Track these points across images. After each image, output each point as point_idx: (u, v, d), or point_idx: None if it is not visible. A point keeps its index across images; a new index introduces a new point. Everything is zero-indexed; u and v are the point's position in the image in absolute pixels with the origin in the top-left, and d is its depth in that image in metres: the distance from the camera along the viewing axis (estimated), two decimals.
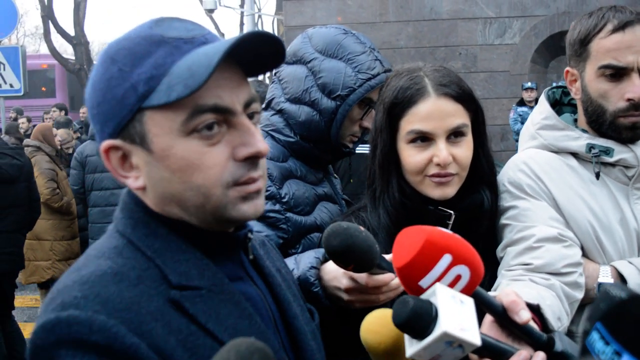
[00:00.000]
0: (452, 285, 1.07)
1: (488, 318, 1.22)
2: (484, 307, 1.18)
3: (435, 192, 1.63)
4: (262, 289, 1.17)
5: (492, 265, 1.69)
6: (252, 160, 1.06)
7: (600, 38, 1.74)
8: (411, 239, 1.07)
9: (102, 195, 6.39)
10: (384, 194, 1.70)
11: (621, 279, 1.70)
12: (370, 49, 1.97)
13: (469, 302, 1.05)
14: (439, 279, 1.07)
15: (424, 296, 1.06)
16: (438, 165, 1.60)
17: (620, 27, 1.70)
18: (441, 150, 1.59)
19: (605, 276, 1.70)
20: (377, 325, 1.16)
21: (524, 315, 1.14)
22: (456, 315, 1.01)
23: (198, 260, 1.06)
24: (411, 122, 1.63)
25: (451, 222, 1.65)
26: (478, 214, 1.69)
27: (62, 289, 0.97)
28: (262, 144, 1.05)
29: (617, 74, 1.72)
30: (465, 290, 1.09)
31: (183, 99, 0.98)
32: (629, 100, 1.71)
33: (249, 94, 1.07)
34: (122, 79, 1.02)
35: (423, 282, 1.07)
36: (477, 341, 1.02)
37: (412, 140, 1.63)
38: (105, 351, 0.90)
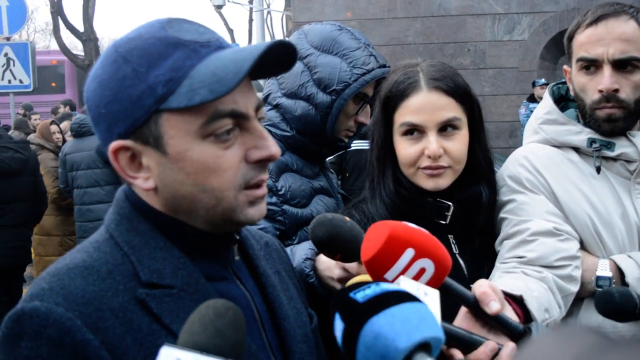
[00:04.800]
0: (416, 277, 1.12)
1: (463, 309, 1.26)
2: (455, 298, 1.22)
3: (427, 183, 1.65)
4: (250, 290, 1.17)
5: (491, 259, 1.71)
6: (263, 163, 1.08)
7: (578, 33, 1.80)
8: (377, 234, 1.12)
9: (77, 193, 6.44)
10: (380, 185, 1.73)
11: (620, 272, 1.69)
12: (365, 44, 2.00)
13: (433, 294, 1.09)
14: (403, 272, 1.12)
15: None
16: (429, 157, 1.62)
17: (594, 21, 1.75)
18: (431, 143, 1.61)
19: (604, 270, 1.70)
20: (357, 281, 1.20)
21: (494, 307, 1.18)
22: None
23: (175, 259, 1.05)
24: (403, 114, 1.66)
25: (449, 214, 1.68)
26: (476, 207, 1.71)
27: (37, 281, 1.00)
28: (274, 148, 1.08)
29: (591, 66, 1.77)
30: (432, 283, 1.13)
31: (206, 103, 0.98)
32: (600, 92, 1.74)
33: (257, 98, 1.09)
34: (137, 79, 1.00)
35: (388, 275, 1.12)
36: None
37: (405, 133, 1.66)
38: (56, 344, 0.90)
